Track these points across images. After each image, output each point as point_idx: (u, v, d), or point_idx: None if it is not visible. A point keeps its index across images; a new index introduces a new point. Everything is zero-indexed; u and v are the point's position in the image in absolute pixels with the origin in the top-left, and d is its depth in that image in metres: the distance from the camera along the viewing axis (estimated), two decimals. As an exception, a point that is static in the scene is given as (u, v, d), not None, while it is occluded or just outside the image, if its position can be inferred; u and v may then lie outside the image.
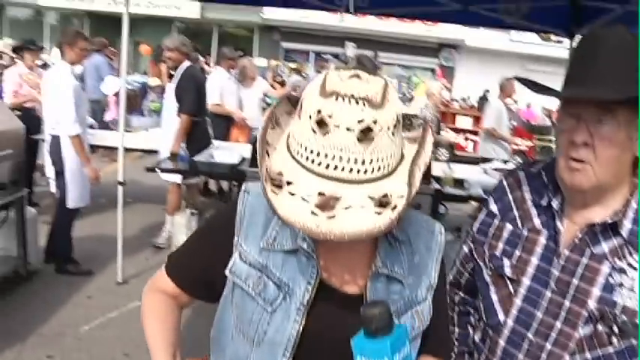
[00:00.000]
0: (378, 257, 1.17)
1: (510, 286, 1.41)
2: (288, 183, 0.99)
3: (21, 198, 4.50)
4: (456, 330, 1.63)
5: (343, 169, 0.96)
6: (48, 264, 4.96)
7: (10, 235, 4.56)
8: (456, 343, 1.62)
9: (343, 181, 0.97)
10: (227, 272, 1.21)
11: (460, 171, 6.01)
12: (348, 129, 0.95)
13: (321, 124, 0.96)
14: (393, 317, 1.01)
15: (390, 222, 0.95)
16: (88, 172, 4.73)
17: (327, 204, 0.95)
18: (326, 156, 0.96)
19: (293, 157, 1.02)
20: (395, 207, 0.96)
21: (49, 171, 4.96)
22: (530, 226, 1.42)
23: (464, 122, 13.46)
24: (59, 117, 4.65)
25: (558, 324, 1.33)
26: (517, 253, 1.42)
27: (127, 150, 7.30)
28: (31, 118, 6.07)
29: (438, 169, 5.76)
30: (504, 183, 1.53)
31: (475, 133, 12.60)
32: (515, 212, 1.46)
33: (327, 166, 0.97)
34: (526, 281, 1.39)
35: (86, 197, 4.90)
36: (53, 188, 5.09)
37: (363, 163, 0.97)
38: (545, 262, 1.37)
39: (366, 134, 0.96)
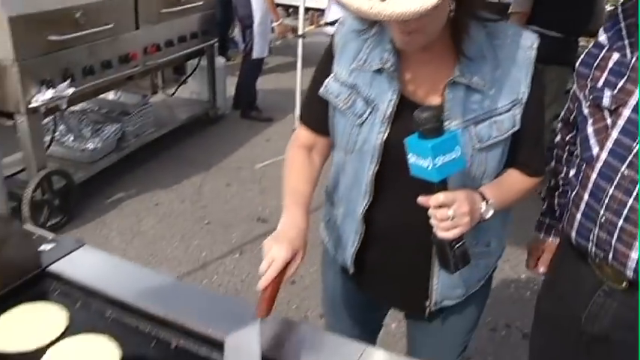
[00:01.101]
0: (457, 68, 1.20)
1: (608, 118, 1.27)
2: None
3: (211, 47, 4.95)
4: (564, 169, 1.55)
5: None
6: (235, 110, 5.51)
7: (202, 81, 5.12)
8: (560, 182, 1.56)
9: None
10: (321, 90, 1.33)
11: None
12: None
13: None
14: (442, 123, 1.09)
15: (437, 2, 0.97)
16: (277, 27, 5.05)
17: None
18: None
19: None
20: None
21: (238, 26, 5.36)
22: None
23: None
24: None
25: None
26: (620, 83, 1.25)
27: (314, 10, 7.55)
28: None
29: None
30: (619, 10, 1.32)
31: None
32: (626, 40, 1.26)
33: None
34: (626, 112, 1.23)
35: (267, 49, 5.27)
36: (241, 42, 5.52)
37: None
38: None
39: None
